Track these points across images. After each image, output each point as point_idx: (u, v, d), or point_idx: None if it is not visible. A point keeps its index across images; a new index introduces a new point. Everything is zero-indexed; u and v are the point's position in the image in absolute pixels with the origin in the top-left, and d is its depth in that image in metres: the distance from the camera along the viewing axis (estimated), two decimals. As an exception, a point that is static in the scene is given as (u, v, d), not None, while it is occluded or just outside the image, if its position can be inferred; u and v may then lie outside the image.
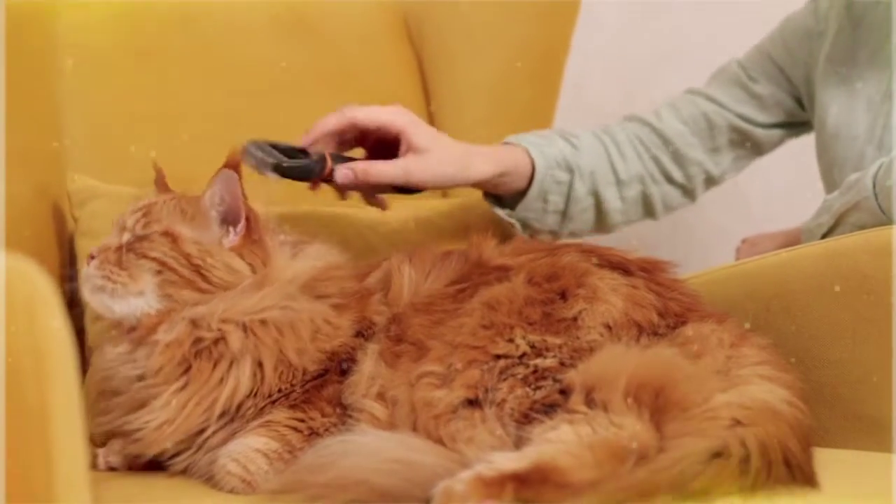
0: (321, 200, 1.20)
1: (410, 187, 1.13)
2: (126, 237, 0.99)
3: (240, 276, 0.98)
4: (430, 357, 0.92)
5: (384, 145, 1.13)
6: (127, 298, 0.97)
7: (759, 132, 1.35)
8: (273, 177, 1.06)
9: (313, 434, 0.94)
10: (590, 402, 0.83)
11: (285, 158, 1.07)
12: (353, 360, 0.97)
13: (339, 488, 0.80)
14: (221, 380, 0.94)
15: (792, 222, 1.45)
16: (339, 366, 0.97)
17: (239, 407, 0.95)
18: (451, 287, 0.99)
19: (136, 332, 0.97)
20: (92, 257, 0.99)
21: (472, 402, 0.87)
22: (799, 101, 1.35)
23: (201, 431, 0.94)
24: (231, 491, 0.91)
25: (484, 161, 1.16)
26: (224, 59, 1.40)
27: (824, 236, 1.13)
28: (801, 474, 0.80)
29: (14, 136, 1.09)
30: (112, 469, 1.02)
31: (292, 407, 0.95)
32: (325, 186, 1.14)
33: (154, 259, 0.97)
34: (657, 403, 0.82)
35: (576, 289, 0.94)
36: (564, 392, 0.85)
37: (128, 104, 1.33)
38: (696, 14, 1.86)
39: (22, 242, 1.04)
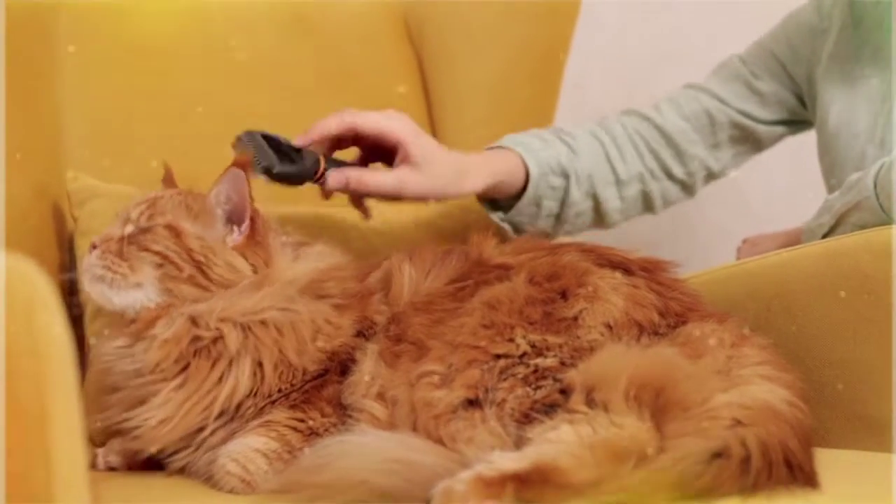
0: (324, 201, 1.20)
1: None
2: (129, 228, 0.99)
3: (241, 276, 0.98)
4: (430, 357, 0.92)
5: (380, 149, 1.13)
6: (126, 290, 0.97)
7: (761, 129, 1.35)
8: (262, 178, 1.04)
9: (313, 434, 0.94)
10: (590, 401, 0.83)
11: (277, 161, 1.04)
12: (353, 360, 0.97)
13: (338, 489, 0.80)
14: (220, 379, 0.94)
15: (793, 222, 1.45)
16: (339, 366, 0.97)
17: (238, 406, 0.94)
18: (452, 286, 0.99)
19: (135, 326, 0.97)
20: (94, 247, 0.99)
21: (473, 402, 0.87)
22: (800, 99, 1.35)
23: (200, 430, 0.94)
24: (230, 491, 0.91)
25: (477, 175, 1.16)
26: (224, 59, 1.40)
27: (825, 236, 1.13)
28: (802, 474, 0.80)
29: (14, 136, 1.09)
30: (111, 469, 1.03)
31: (292, 407, 0.95)
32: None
33: (156, 252, 0.97)
34: (658, 403, 0.82)
35: (576, 288, 0.94)
36: (565, 392, 0.85)
37: (128, 103, 1.33)
38: (696, 14, 1.86)
39: (22, 242, 1.04)
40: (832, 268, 1.03)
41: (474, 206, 1.29)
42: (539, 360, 0.88)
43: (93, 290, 0.98)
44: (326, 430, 0.94)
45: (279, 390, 0.95)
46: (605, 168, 1.29)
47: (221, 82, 1.39)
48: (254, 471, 0.91)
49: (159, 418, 0.94)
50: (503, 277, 0.97)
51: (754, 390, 0.85)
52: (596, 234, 1.32)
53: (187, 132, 1.33)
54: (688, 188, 1.36)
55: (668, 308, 0.95)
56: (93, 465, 1.03)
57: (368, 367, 0.95)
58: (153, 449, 0.95)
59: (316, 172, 1.07)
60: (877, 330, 0.99)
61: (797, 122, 1.37)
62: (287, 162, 1.05)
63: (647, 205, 1.34)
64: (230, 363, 0.94)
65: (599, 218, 1.32)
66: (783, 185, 1.83)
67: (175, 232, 0.98)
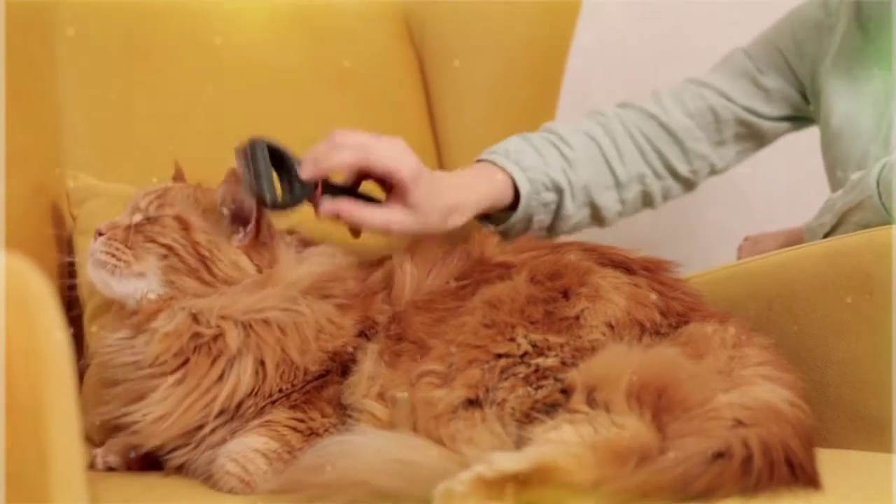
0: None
1: None
2: (137, 218, 0.99)
3: (244, 274, 0.99)
4: (431, 356, 0.91)
5: (377, 176, 1.11)
6: (128, 278, 0.97)
7: (766, 125, 1.34)
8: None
9: (313, 434, 0.94)
10: (591, 401, 0.83)
11: (267, 191, 1.00)
12: (354, 360, 0.97)
13: (338, 489, 0.80)
14: (220, 377, 0.94)
15: (794, 221, 1.45)
16: (340, 366, 0.97)
17: (239, 405, 0.94)
18: (453, 284, 0.99)
19: (137, 318, 0.97)
20: (100, 233, 0.99)
21: (473, 402, 0.87)
22: (803, 95, 1.34)
23: (200, 427, 0.94)
24: (230, 491, 0.91)
25: (463, 212, 1.13)
26: (224, 59, 1.40)
27: (827, 235, 1.13)
28: (804, 475, 0.80)
29: (13, 136, 1.09)
30: (110, 469, 1.02)
31: (293, 407, 0.95)
32: None
33: (162, 244, 0.97)
34: (659, 403, 0.82)
35: (578, 287, 0.94)
36: (566, 392, 0.85)
37: (127, 103, 1.33)
38: (696, 14, 1.85)
39: (21, 241, 1.03)
40: (834, 267, 1.02)
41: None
42: (540, 360, 0.88)
43: (94, 275, 0.98)
44: (326, 430, 0.94)
45: (280, 390, 0.95)
46: (604, 172, 1.27)
47: (221, 82, 1.39)
48: (253, 471, 0.91)
49: (158, 414, 0.93)
50: (504, 276, 0.96)
51: (756, 390, 0.85)
52: (596, 234, 1.32)
53: (187, 132, 1.33)
54: (690, 185, 1.35)
55: (670, 308, 0.95)
56: (91, 466, 1.02)
57: (369, 367, 0.95)
58: (152, 444, 0.95)
59: (312, 198, 1.05)
60: (878, 330, 0.98)
61: (800, 118, 1.36)
62: (284, 181, 1.03)
63: (648, 202, 1.34)
64: (231, 361, 0.94)
65: (598, 222, 1.31)
66: (784, 185, 1.83)
67: (183, 224, 0.98)
